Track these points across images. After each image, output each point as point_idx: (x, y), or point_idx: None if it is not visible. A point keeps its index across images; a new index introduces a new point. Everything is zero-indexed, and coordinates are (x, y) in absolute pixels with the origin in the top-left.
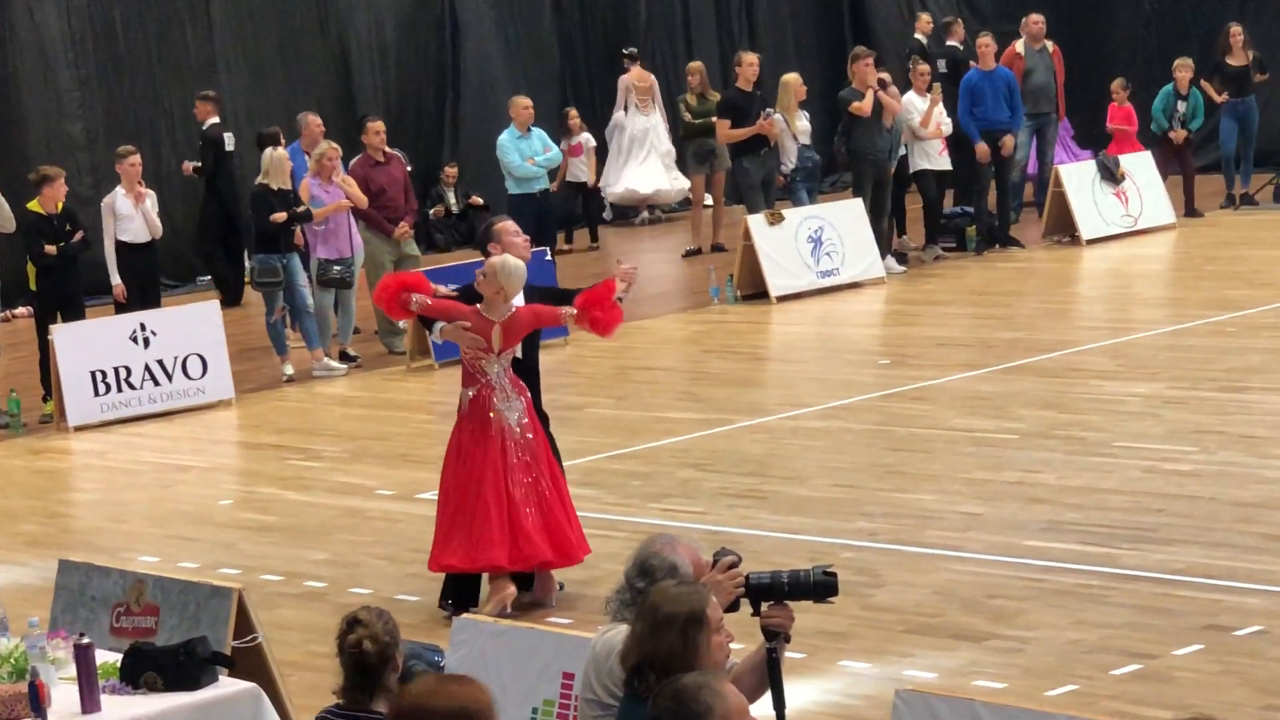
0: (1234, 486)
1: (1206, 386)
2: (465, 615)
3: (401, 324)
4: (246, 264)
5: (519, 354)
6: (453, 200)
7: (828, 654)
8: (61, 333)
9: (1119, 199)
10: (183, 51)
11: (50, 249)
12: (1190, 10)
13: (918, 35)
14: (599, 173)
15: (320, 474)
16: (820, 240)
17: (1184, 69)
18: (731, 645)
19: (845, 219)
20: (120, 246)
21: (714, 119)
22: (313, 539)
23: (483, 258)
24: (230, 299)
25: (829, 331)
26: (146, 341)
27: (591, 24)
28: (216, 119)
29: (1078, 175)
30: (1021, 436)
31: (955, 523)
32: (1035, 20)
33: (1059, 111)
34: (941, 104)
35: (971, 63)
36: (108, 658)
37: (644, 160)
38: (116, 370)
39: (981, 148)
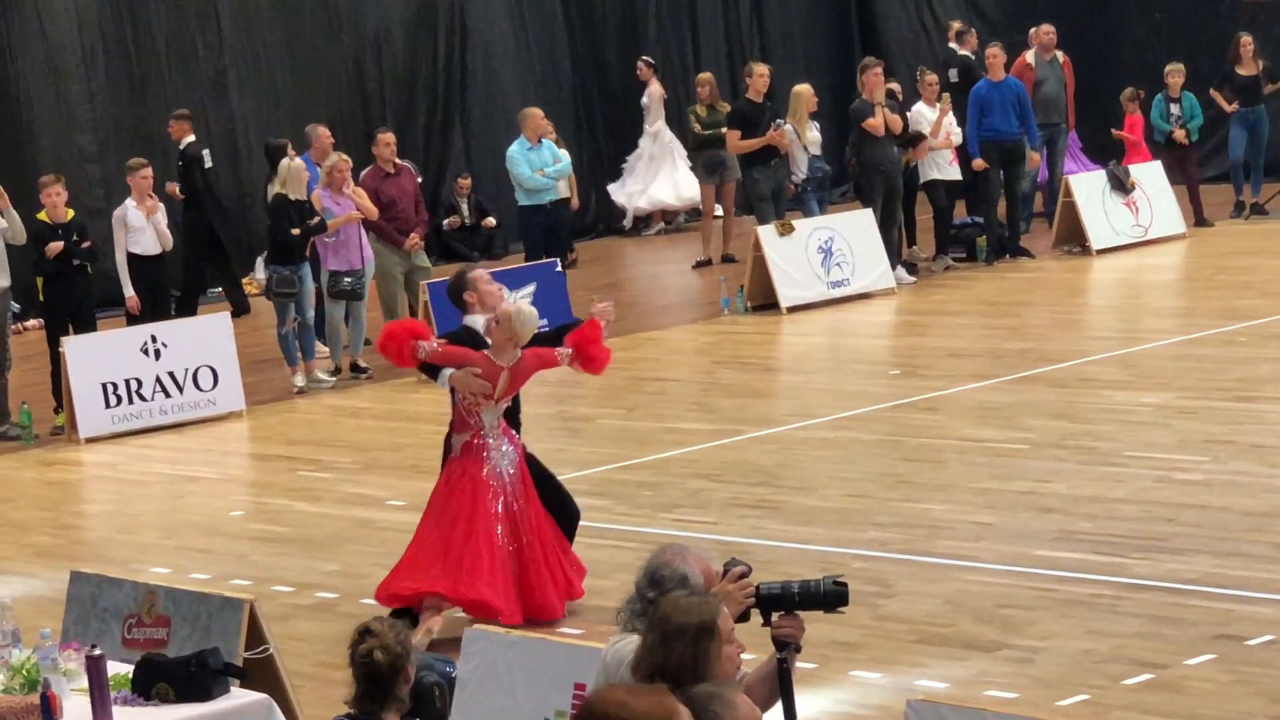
0: (1245, 496)
1: (1217, 396)
2: (477, 626)
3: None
4: (257, 274)
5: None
6: (466, 211)
7: (839, 664)
8: (73, 344)
9: (1129, 209)
10: (193, 63)
11: (54, 246)
12: (1200, 20)
13: (951, 45)
14: (618, 188)
15: (331, 485)
16: (830, 251)
17: (1174, 74)
18: (742, 655)
19: (855, 229)
20: (131, 258)
21: (724, 130)
22: (324, 550)
23: (458, 307)
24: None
25: (839, 342)
26: (157, 353)
27: (602, 36)
28: (192, 137)
29: (1088, 185)
30: (1032, 446)
31: (966, 532)
32: (1046, 31)
33: (1069, 122)
34: (951, 113)
35: (981, 73)
36: (119, 669)
37: (674, 169)
38: (128, 382)
39: (978, 162)
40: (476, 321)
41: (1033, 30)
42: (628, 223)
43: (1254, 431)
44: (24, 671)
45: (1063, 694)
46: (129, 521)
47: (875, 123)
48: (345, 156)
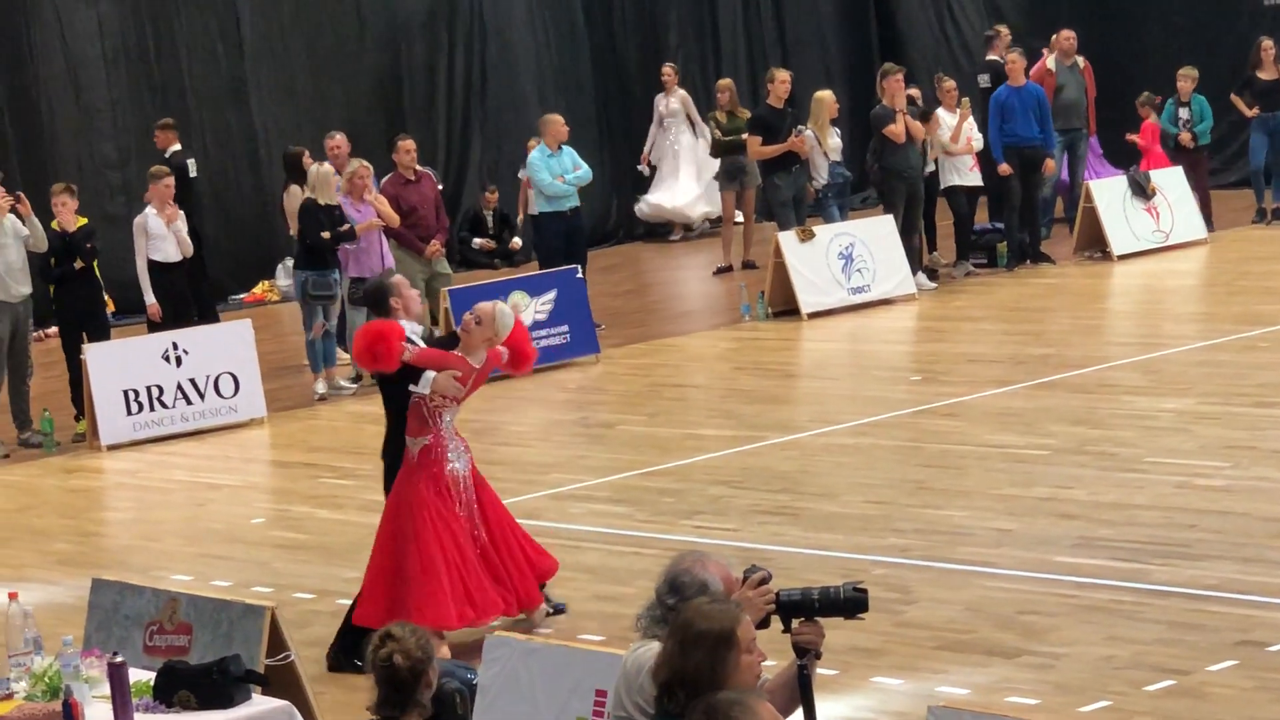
0: (1267, 502)
1: (1238, 402)
2: (498, 633)
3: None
4: (279, 280)
5: None
6: (491, 224)
7: (860, 670)
8: (94, 352)
9: (1150, 214)
10: (214, 71)
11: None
12: (1220, 25)
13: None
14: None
15: (352, 492)
16: (851, 257)
17: (1185, 78)
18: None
19: (876, 235)
20: (152, 266)
21: (744, 136)
22: (345, 557)
23: (381, 313)
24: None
25: (860, 348)
26: (179, 360)
27: (624, 42)
28: (178, 146)
29: (1109, 191)
30: (1053, 452)
31: (987, 539)
32: (1066, 36)
33: (1090, 128)
34: (972, 118)
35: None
36: (141, 676)
37: (698, 175)
38: (149, 389)
39: (1003, 167)
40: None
41: (1053, 36)
42: (676, 235)
43: (1275, 437)
44: (46, 679)
45: (1084, 700)
46: (150, 529)
47: (897, 129)
48: (366, 163)
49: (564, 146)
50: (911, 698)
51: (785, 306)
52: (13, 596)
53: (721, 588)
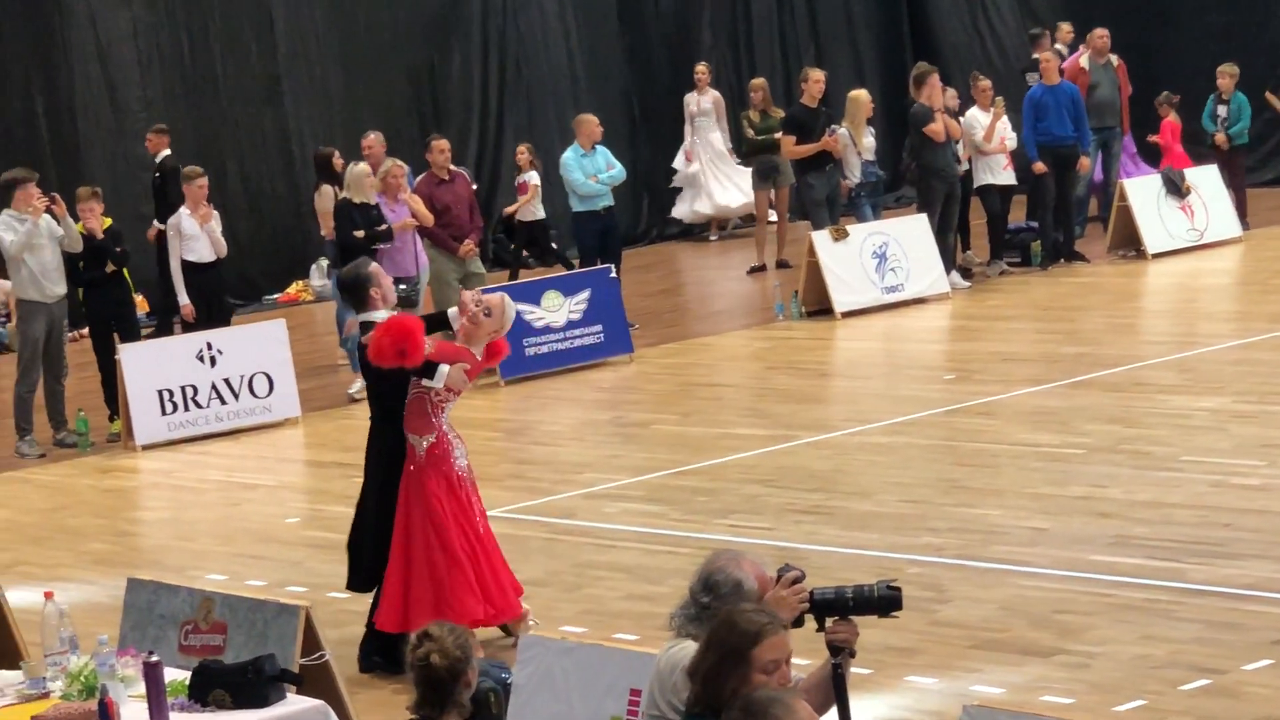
0: None
1: (1274, 400)
2: (532, 632)
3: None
4: (313, 280)
5: None
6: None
7: (894, 669)
8: (129, 352)
9: (1184, 213)
10: (247, 71)
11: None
12: (1256, 23)
13: (1059, 46)
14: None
15: None
16: (885, 256)
17: (1225, 75)
18: (795, 661)
19: (910, 234)
20: (186, 266)
21: (777, 135)
22: None
23: (357, 305)
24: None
25: (894, 347)
26: (213, 360)
27: (657, 42)
28: (168, 151)
29: (1143, 189)
30: (1088, 451)
31: (1022, 537)
32: (1100, 35)
33: (1124, 126)
34: (1006, 117)
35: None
36: (176, 675)
37: (732, 176)
38: (183, 389)
39: (1038, 165)
40: (379, 316)
41: (1087, 35)
42: (713, 235)
43: None
44: (82, 678)
45: (1119, 699)
46: (185, 528)
47: (936, 128)
48: (400, 162)
49: (597, 146)
50: (946, 697)
51: (819, 306)
52: (48, 596)
53: (756, 586)
